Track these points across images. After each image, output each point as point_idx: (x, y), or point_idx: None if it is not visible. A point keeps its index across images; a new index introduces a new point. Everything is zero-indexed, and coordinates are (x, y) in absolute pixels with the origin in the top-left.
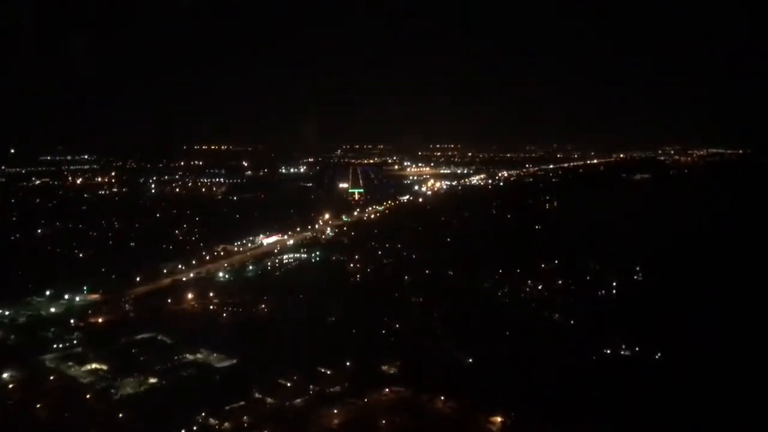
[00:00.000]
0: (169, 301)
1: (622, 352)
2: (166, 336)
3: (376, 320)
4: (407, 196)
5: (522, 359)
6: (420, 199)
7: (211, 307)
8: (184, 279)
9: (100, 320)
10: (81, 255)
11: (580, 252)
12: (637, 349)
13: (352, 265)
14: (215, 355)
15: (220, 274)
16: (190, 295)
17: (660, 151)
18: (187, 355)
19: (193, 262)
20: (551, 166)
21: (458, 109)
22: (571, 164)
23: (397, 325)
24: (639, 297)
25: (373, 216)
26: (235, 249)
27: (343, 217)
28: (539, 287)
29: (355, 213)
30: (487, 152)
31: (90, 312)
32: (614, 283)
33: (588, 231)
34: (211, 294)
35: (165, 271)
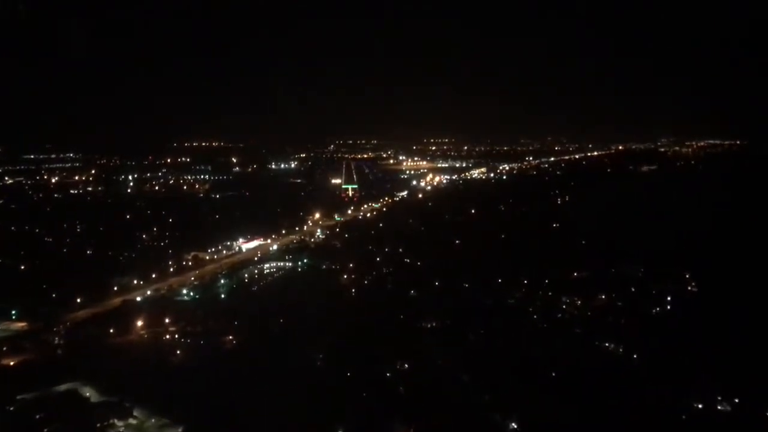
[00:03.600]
0: (112, 330)
1: (720, 407)
2: (93, 387)
3: (378, 358)
4: (405, 192)
5: (586, 421)
6: (420, 195)
7: (166, 337)
8: (138, 299)
9: (12, 363)
10: (23, 267)
11: (611, 256)
12: (736, 401)
13: (345, 276)
14: (154, 420)
15: (184, 291)
16: (140, 322)
17: (659, 143)
18: (115, 420)
19: (153, 275)
20: (552, 159)
21: (451, 103)
22: (573, 157)
23: (407, 365)
24: (704, 316)
25: (369, 215)
26: (207, 257)
27: (336, 216)
28: (578, 303)
29: (349, 211)
30: (482, 145)
31: (5, 349)
32: (668, 298)
33: (612, 230)
34: (167, 320)
35: (116, 288)
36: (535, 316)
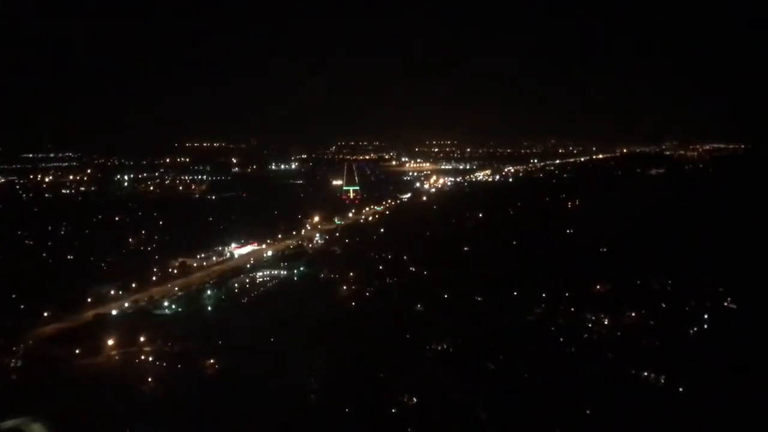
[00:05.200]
0: (78, 351)
1: None
2: (44, 424)
3: (381, 389)
4: (408, 194)
5: None
6: (424, 198)
7: (141, 358)
8: (113, 312)
9: None
10: None
11: (634, 266)
12: None
13: (345, 286)
14: None
15: (165, 304)
16: (111, 341)
17: (664, 146)
18: None
19: (133, 285)
20: (557, 161)
21: (452, 105)
22: (578, 159)
23: (415, 399)
24: (751, 338)
25: (370, 218)
26: (196, 264)
27: (336, 219)
28: (605, 321)
29: (350, 214)
30: (485, 147)
31: None
32: (705, 316)
33: (629, 236)
34: (143, 338)
35: (91, 299)
36: (561, 339)
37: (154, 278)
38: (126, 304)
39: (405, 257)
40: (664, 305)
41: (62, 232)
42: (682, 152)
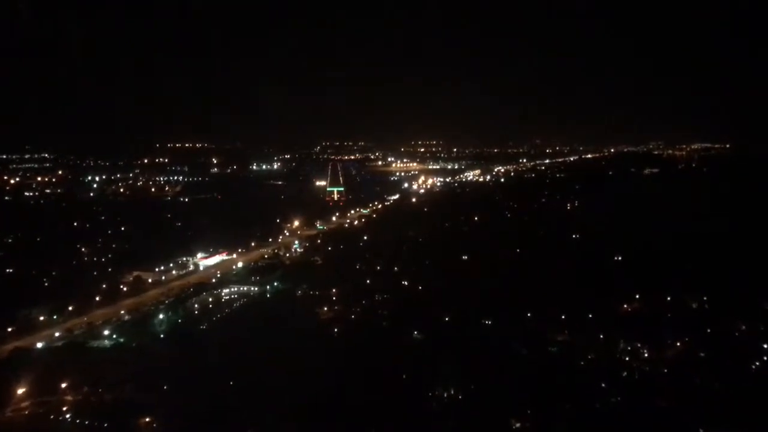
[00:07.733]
0: None
1: None
2: None
3: None
4: (397, 196)
5: None
6: (413, 199)
7: (54, 415)
8: (39, 345)
9: None
10: None
11: (657, 277)
12: None
13: (326, 306)
14: None
15: (106, 332)
16: (25, 387)
17: (651, 145)
18: None
19: (71, 307)
20: (547, 161)
21: (438, 105)
22: (568, 159)
23: None
24: None
25: (356, 222)
26: (152, 279)
27: (318, 224)
28: (644, 353)
29: (334, 218)
30: (472, 147)
31: None
32: (765, 345)
33: (641, 241)
34: (67, 383)
35: (14, 327)
36: (602, 384)
37: (98, 298)
38: (57, 333)
39: (396, 268)
40: (709, 330)
41: (9, 241)
42: (670, 151)
